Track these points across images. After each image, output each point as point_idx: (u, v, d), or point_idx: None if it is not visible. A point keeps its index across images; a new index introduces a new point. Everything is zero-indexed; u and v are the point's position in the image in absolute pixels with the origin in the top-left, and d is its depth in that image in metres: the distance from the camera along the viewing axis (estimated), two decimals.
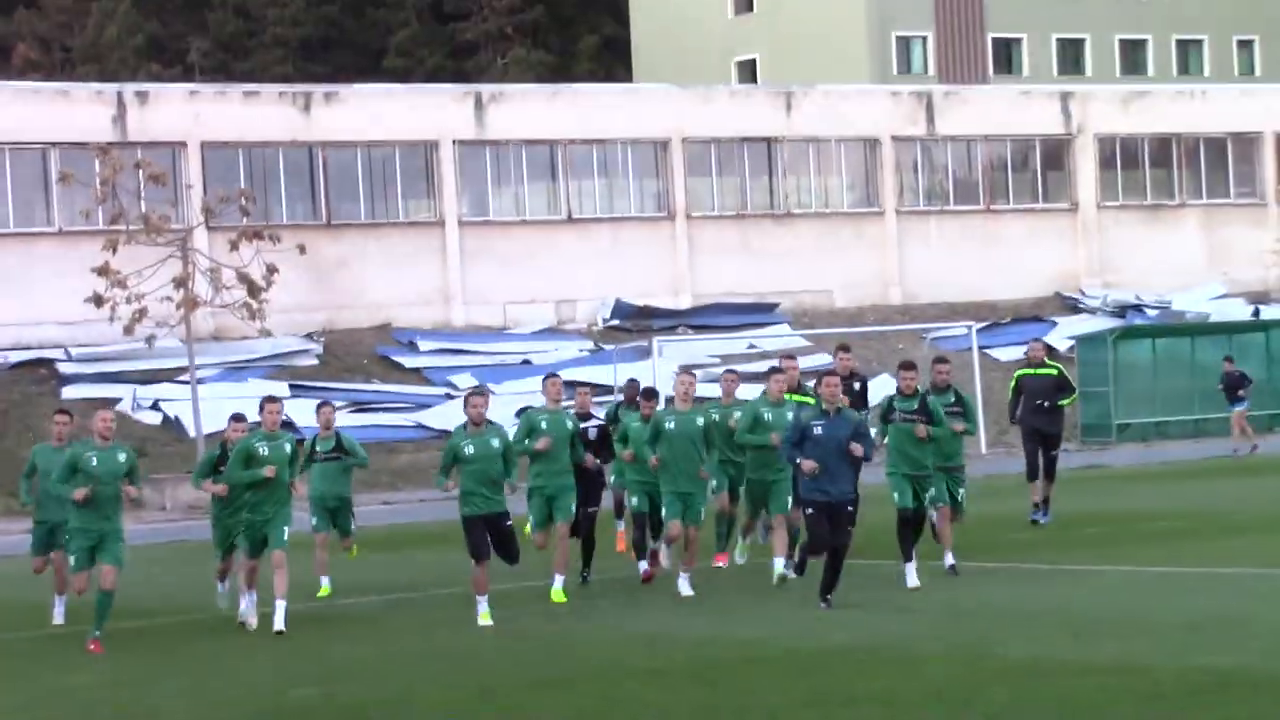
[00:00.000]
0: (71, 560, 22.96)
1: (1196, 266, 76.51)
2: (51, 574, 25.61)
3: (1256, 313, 70.79)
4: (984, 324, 66.87)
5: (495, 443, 23.00)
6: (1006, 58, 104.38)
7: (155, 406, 59.51)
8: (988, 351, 62.63)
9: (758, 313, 68.66)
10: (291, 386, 59.10)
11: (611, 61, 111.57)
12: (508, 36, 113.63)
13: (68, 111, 64.41)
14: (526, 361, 63.44)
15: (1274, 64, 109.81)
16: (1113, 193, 77.69)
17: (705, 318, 67.70)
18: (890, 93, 79.26)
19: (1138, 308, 72.03)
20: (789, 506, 24.62)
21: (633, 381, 31.47)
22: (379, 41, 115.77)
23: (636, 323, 66.52)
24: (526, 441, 25.02)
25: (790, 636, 20.09)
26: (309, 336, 64.00)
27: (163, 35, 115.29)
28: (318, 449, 27.42)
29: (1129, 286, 74.15)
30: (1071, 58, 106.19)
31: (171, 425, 58.29)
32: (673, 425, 24.39)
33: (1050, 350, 44.14)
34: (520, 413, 31.31)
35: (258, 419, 24.50)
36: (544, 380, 26.77)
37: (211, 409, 55.28)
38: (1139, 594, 20.49)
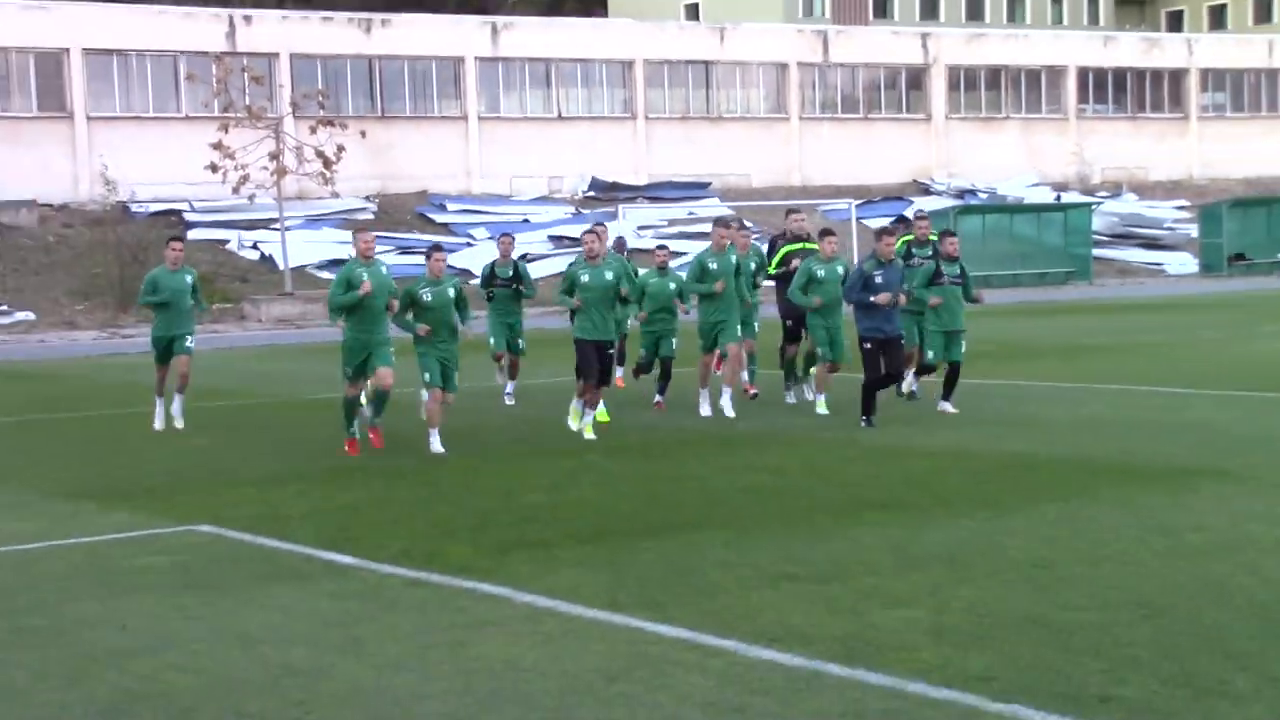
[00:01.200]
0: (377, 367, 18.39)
1: (1017, 164, 76.72)
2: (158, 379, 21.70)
3: (1058, 198, 71.24)
4: (861, 201, 67.59)
5: (609, 275, 19.18)
6: (882, 6, 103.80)
7: (254, 247, 59.81)
8: (863, 220, 62.62)
9: (695, 189, 68.93)
10: (356, 235, 60.25)
11: (592, 2, 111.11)
12: None
13: (193, 29, 64.56)
14: (526, 220, 64.09)
15: (1078, 16, 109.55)
16: (957, 108, 77.86)
17: (657, 191, 67.98)
18: (796, 30, 79.22)
19: (973, 192, 72.18)
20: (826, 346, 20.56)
21: (620, 238, 27.85)
22: None
23: (606, 194, 67.36)
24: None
25: (712, 426, 20.06)
26: (367, 198, 64.21)
27: None
28: (497, 275, 23.34)
29: (967, 177, 74.50)
30: (929, 7, 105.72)
31: (266, 261, 58.55)
32: (716, 266, 20.94)
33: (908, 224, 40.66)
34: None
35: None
36: (585, 233, 20.98)
37: (295, 249, 56.52)
38: (966, 401, 20.45)
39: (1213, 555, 11.38)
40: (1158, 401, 21.06)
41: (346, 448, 18.25)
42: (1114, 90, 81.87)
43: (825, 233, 20.96)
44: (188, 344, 21.40)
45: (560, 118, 70.39)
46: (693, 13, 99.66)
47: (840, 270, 20.49)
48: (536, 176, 68.45)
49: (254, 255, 59.41)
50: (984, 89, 79.02)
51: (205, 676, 8.97)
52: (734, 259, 21.27)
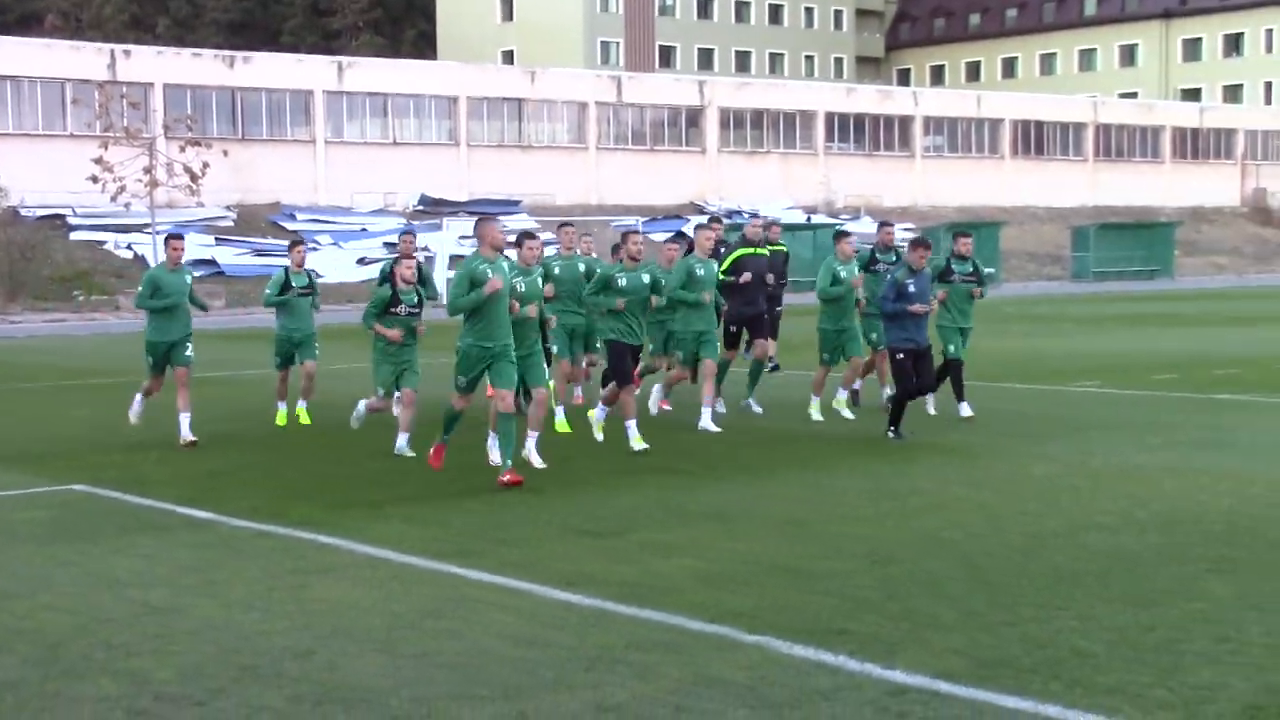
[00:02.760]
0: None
1: (775, 190, 77.64)
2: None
3: (809, 219, 72.10)
4: (647, 218, 68.04)
5: (646, 278, 16.17)
6: (666, 56, 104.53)
7: (129, 248, 59.14)
8: (648, 234, 62.92)
9: (509, 205, 68.61)
10: (217, 239, 59.92)
11: (424, 46, 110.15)
12: (360, 27, 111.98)
13: (79, 60, 63.81)
14: (364, 229, 63.66)
15: (826, 69, 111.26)
16: (727, 143, 78.69)
17: (476, 207, 67.51)
18: (595, 74, 79.47)
19: (739, 213, 72.73)
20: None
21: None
22: (277, 25, 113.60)
23: (433, 208, 67.26)
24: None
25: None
26: (227, 207, 63.40)
27: (139, 13, 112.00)
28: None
29: (735, 200, 75.12)
30: (705, 58, 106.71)
31: (139, 260, 57.33)
32: (703, 273, 17.10)
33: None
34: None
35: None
36: (559, 229, 18.92)
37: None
38: (731, 390, 20.50)
39: (928, 514, 11.59)
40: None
41: (433, 454, 13.87)
42: (854, 132, 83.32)
43: (841, 234, 18.27)
44: (188, 353, 16.72)
45: (395, 143, 69.94)
46: (509, 57, 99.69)
47: (849, 272, 17.82)
48: (374, 192, 67.94)
49: (128, 255, 58.65)
50: (749, 128, 79.90)
51: (76, 615, 8.71)
52: (715, 267, 17.62)
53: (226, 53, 70.19)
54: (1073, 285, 68.46)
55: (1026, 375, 22.96)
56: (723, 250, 18.96)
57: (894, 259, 18.57)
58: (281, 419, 18.09)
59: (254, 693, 7.12)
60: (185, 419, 16.43)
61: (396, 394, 15.78)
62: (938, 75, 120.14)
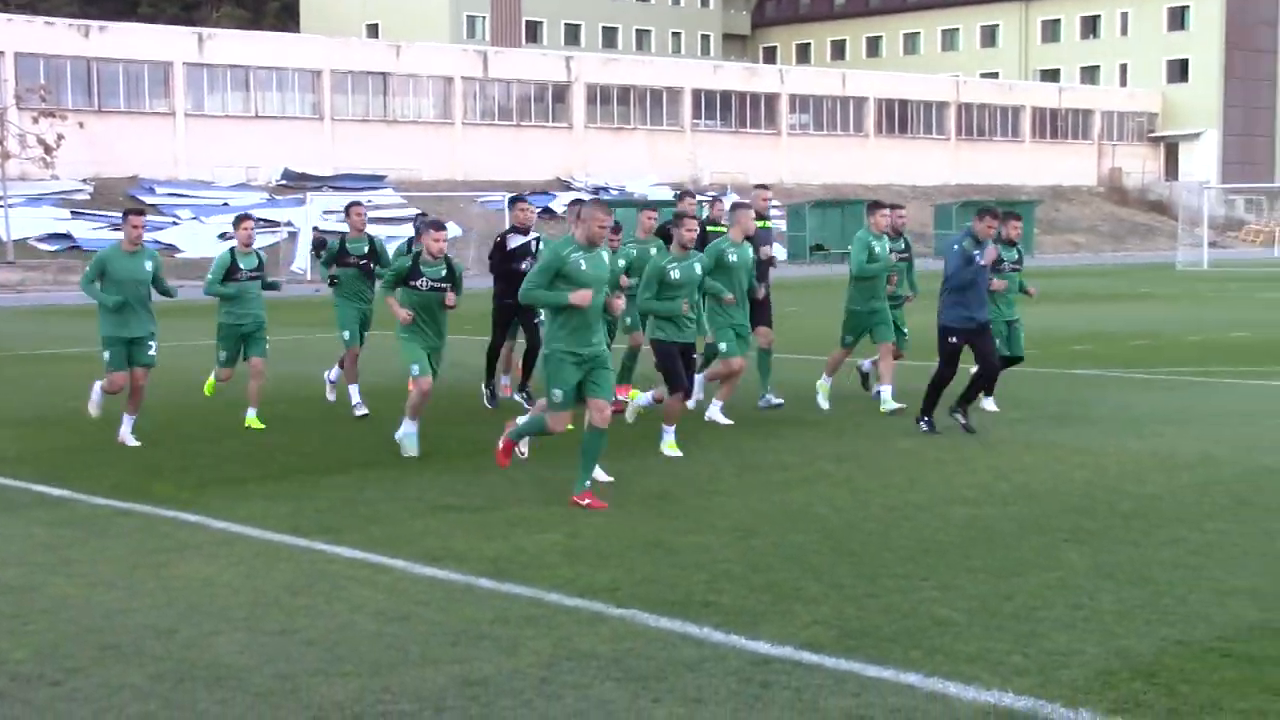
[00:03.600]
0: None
1: (642, 166, 77.78)
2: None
3: (679, 195, 72.08)
4: (513, 195, 67.35)
5: (698, 268, 13.82)
6: (533, 31, 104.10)
7: None
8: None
9: (374, 181, 68.03)
10: (73, 212, 58.66)
11: (286, 19, 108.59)
12: None
13: None
14: (225, 204, 62.55)
15: (693, 47, 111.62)
16: (594, 119, 78.62)
17: (340, 182, 66.94)
18: (461, 49, 78.98)
19: (605, 189, 72.77)
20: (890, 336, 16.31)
21: (422, 214, 21.21)
22: None
23: (296, 182, 66.20)
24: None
25: (393, 382, 19.71)
26: (84, 181, 61.89)
27: None
28: (349, 251, 16.45)
29: (602, 176, 75.14)
30: (572, 33, 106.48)
31: None
32: (736, 259, 14.90)
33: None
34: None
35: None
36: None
37: (17, 224, 54.24)
38: None
39: (794, 488, 11.72)
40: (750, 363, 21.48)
41: (500, 447, 11.75)
42: (721, 109, 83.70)
43: (875, 205, 16.37)
44: (150, 353, 14.32)
45: (257, 116, 68.92)
46: (373, 31, 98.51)
47: (883, 248, 16.09)
48: (235, 166, 66.85)
49: None
50: (616, 104, 79.90)
51: None
52: (749, 251, 15.33)
53: (82, 21, 68.63)
54: (935, 263, 69.52)
55: None
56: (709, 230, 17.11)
57: (904, 246, 16.80)
58: (209, 388, 16.58)
59: (115, 672, 7.01)
60: (129, 421, 14.40)
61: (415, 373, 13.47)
62: (803, 53, 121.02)
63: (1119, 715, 6.26)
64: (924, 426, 14.61)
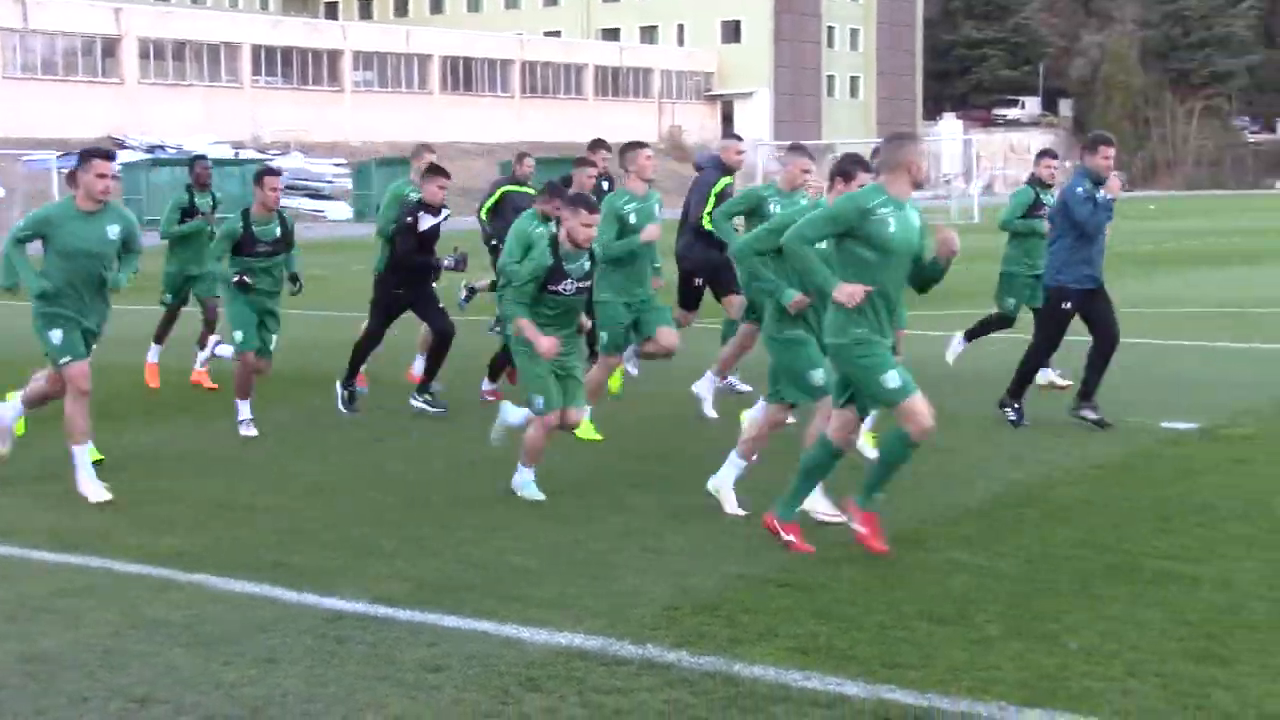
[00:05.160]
0: None
1: (200, 124, 75.26)
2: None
3: (237, 155, 70.41)
4: (61, 153, 64.45)
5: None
6: None
7: None
8: (63, 170, 59.94)
9: None
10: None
11: None
12: None
13: None
14: None
15: (252, 0, 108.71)
16: (148, 74, 75.73)
17: None
18: None
19: (162, 148, 70.24)
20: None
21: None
22: None
23: None
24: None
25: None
26: None
27: None
28: (256, 236, 12.50)
29: (157, 135, 72.38)
30: None
31: None
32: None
33: None
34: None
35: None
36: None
37: None
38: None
39: (370, 447, 11.71)
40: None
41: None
42: (282, 65, 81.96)
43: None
44: (93, 342, 10.40)
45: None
46: None
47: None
48: None
49: None
50: (171, 59, 77.12)
51: None
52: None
53: None
54: None
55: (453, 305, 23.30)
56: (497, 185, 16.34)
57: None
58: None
59: None
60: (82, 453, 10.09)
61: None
62: (366, 9, 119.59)
63: (684, 648, 6.57)
64: (1012, 416, 12.49)
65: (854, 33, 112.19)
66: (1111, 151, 12.20)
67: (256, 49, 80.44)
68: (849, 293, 7.92)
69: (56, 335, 9.99)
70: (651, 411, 13.32)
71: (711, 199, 13.78)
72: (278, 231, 12.57)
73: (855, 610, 7.11)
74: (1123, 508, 9.08)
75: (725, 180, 13.99)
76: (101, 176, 9.92)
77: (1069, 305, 12.19)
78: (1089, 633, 6.74)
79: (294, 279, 12.81)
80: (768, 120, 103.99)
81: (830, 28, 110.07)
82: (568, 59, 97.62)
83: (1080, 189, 11.99)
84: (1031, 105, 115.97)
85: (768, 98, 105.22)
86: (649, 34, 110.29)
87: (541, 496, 9.62)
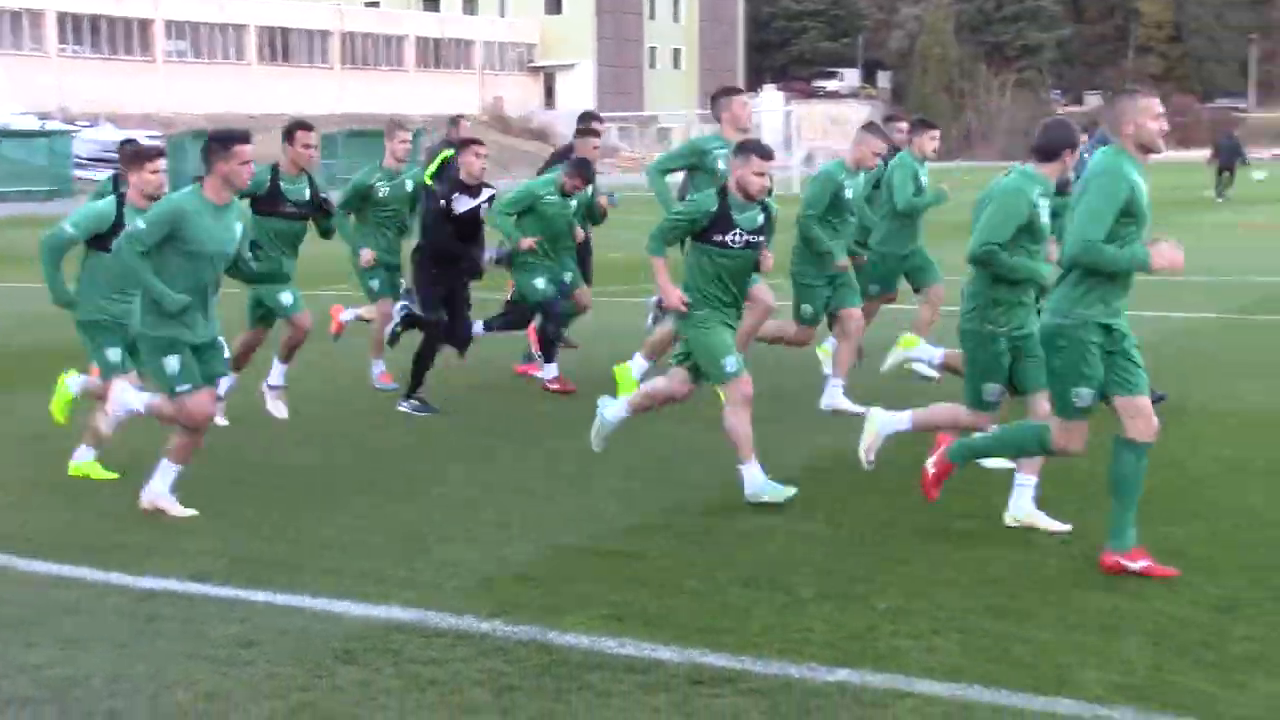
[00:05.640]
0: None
1: (3, 93, 72.98)
2: None
3: (43, 126, 68.36)
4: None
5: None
6: None
7: None
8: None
9: None
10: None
11: None
12: None
13: None
14: None
15: None
16: None
17: None
18: None
19: None
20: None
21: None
22: None
23: None
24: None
25: None
26: None
27: None
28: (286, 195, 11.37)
29: None
30: None
31: None
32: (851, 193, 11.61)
33: None
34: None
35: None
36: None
37: None
38: None
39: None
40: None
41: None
42: (91, 34, 79.76)
43: (924, 124, 12.62)
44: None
45: None
46: None
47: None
48: None
49: None
50: None
51: None
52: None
53: None
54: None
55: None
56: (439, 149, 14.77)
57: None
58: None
59: None
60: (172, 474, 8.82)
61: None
62: None
63: (499, 617, 6.61)
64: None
65: (676, 5, 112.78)
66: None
67: (62, 16, 78.15)
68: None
69: (173, 363, 8.49)
70: (484, 380, 13.34)
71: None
72: (306, 193, 11.43)
73: (670, 577, 7.22)
74: None
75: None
76: (246, 164, 8.53)
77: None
78: (896, 593, 6.94)
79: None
80: (591, 92, 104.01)
81: (652, 0, 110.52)
82: (388, 30, 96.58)
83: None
84: (850, 77, 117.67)
85: (590, 70, 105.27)
86: (470, 5, 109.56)
87: (792, 491, 8.60)
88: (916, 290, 12.93)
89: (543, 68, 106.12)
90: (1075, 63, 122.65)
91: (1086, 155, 10.24)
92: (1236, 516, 8.28)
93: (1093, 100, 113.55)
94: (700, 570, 7.32)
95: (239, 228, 8.69)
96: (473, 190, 11.78)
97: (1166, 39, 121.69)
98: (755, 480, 8.63)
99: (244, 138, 8.57)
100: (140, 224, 8.37)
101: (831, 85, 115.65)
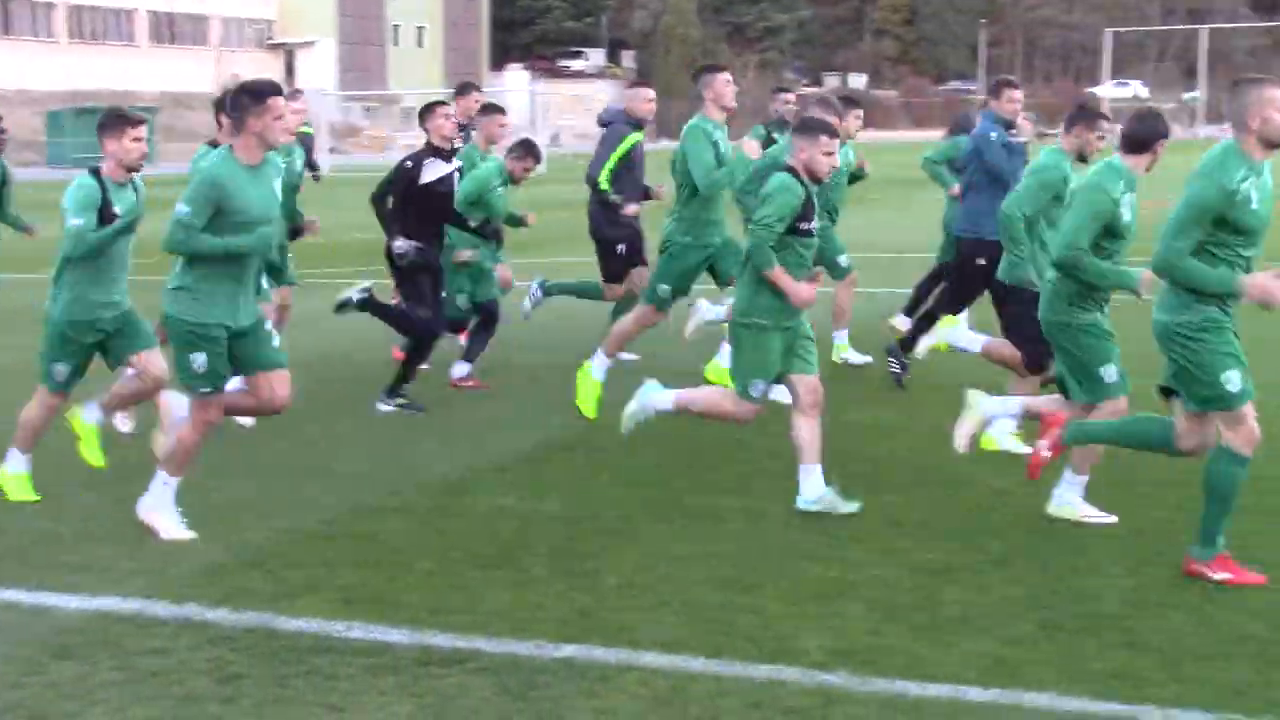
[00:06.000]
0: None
1: None
2: None
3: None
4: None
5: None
6: None
7: None
8: None
9: None
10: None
11: None
12: None
13: None
14: None
15: None
16: None
17: None
18: None
19: None
20: None
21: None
22: None
23: None
24: None
25: None
26: None
27: None
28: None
29: None
30: None
31: None
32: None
33: None
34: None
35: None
36: None
37: None
38: None
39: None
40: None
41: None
42: None
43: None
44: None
45: None
46: None
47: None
48: None
49: None
50: None
51: None
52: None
53: None
54: (52, 171, 66.93)
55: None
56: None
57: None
58: None
59: None
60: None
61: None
62: None
63: (225, 605, 6.53)
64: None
65: None
66: (1018, 94, 11.27)
67: None
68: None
69: (200, 361, 7.52)
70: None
71: (614, 158, 12.11)
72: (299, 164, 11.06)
73: (402, 559, 7.23)
74: (663, 446, 9.47)
75: (634, 137, 12.24)
76: (279, 118, 7.51)
77: (984, 262, 10.48)
78: (626, 568, 7.06)
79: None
80: (332, 70, 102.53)
81: None
82: (116, 3, 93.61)
83: (994, 135, 11.03)
84: (595, 57, 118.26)
85: (331, 47, 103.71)
86: None
87: (855, 506, 7.97)
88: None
89: (282, 44, 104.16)
90: (815, 44, 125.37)
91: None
92: (950, 485, 8.63)
93: (831, 81, 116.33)
94: (434, 551, 7.34)
95: (278, 186, 7.73)
96: (445, 156, 10.85)
97: (902, 22, 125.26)
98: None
99: (276, 89, 7.56)
100: (183, 206, 7.37)
101: (577, 65, 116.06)
